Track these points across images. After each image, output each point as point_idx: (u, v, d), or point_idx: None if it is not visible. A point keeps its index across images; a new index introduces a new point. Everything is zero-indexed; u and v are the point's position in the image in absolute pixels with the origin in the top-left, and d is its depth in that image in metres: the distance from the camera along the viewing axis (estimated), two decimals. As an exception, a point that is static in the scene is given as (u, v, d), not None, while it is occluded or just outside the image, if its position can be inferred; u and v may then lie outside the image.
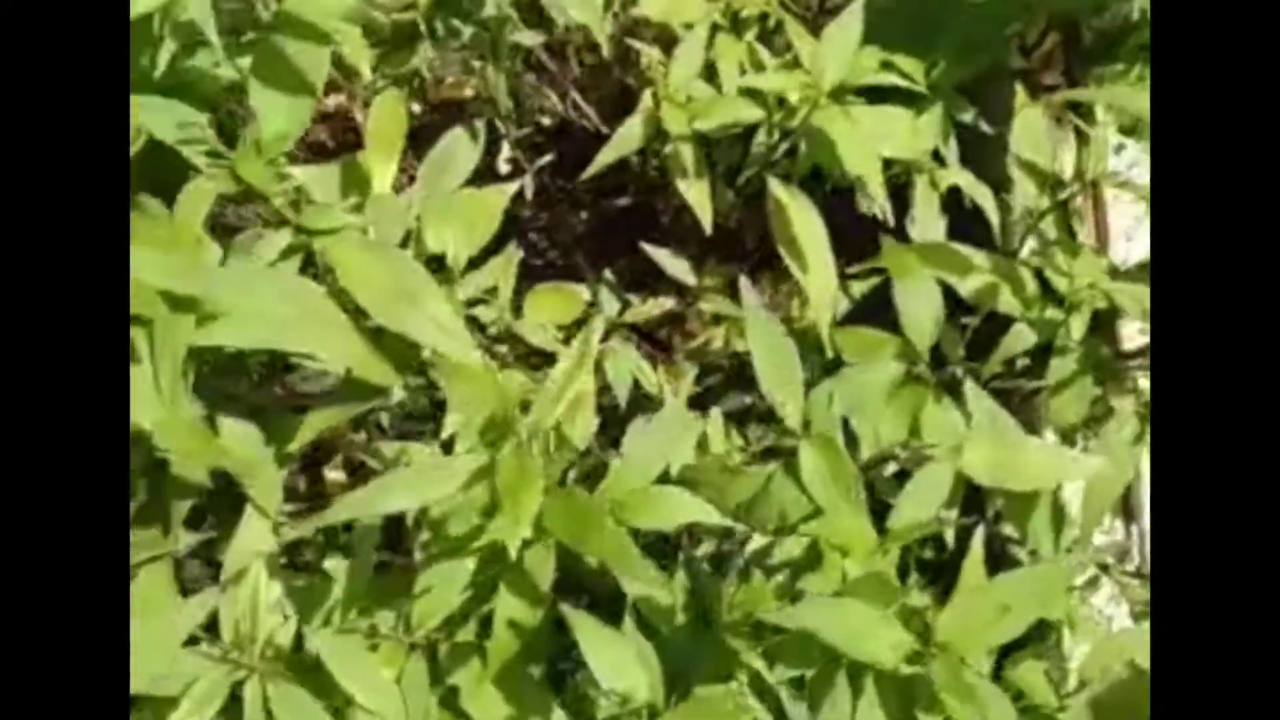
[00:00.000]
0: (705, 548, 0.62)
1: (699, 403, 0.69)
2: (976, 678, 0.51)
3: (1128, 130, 0.87)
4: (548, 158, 0.79)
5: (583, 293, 0.74)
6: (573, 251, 0.80)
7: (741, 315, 0.66)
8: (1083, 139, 0.83)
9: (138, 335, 0.56)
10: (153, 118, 0.60)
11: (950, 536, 0.64)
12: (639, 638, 0.54)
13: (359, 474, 0.76)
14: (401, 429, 0.73)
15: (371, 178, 0.65)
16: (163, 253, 0.56)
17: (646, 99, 0.72)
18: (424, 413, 0.72)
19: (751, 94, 0.70)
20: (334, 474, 0.80)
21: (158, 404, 0.56)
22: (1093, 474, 0.62)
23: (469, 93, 0.81)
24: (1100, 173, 0.75)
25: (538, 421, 0.50)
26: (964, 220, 0.75)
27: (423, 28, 0.70)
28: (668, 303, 0.77)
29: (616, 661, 0.52)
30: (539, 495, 0.49)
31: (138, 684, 0.57)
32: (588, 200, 0.82)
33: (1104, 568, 0.64)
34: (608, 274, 0.78)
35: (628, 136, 0.70)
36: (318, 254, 0.58)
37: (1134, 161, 0.83)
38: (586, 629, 0.53)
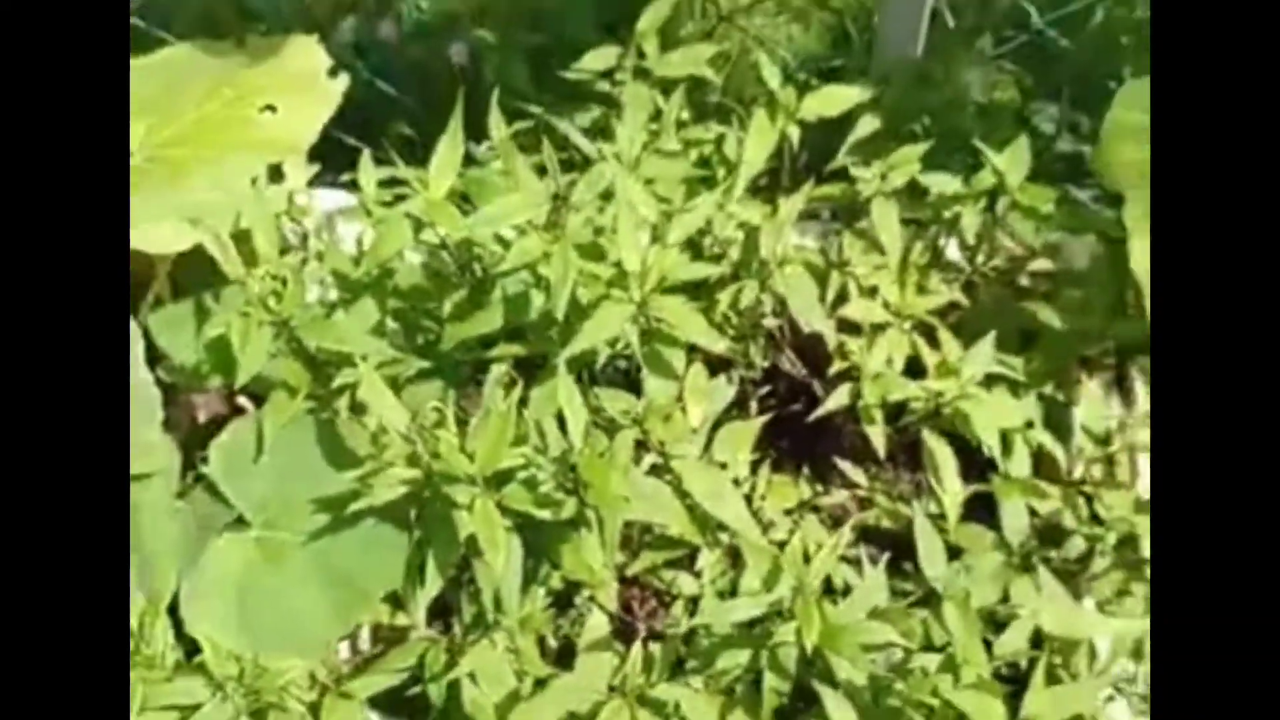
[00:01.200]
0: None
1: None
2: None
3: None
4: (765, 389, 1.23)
5: (797, 485, 1.17)
6: (789, 459, 1.22)
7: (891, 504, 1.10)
8: (1128, 402, 1.26)
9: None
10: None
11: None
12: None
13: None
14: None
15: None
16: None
17: (838, 368, 1.16)
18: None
19: (918, 372, 1.14)
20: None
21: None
22: (1115, 632, 1.03)
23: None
24: (1136, 437, 1.18)
25: (807, 576, 0.93)
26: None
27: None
28: (844, 494, 1.20)
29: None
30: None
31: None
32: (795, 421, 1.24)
33: (1119, 689, 1.04)
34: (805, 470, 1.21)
35: (839, 395, 1.13)
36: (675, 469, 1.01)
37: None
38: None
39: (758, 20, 1.91)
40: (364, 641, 1.09)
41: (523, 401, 0.97)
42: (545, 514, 0.91)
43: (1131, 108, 1.07)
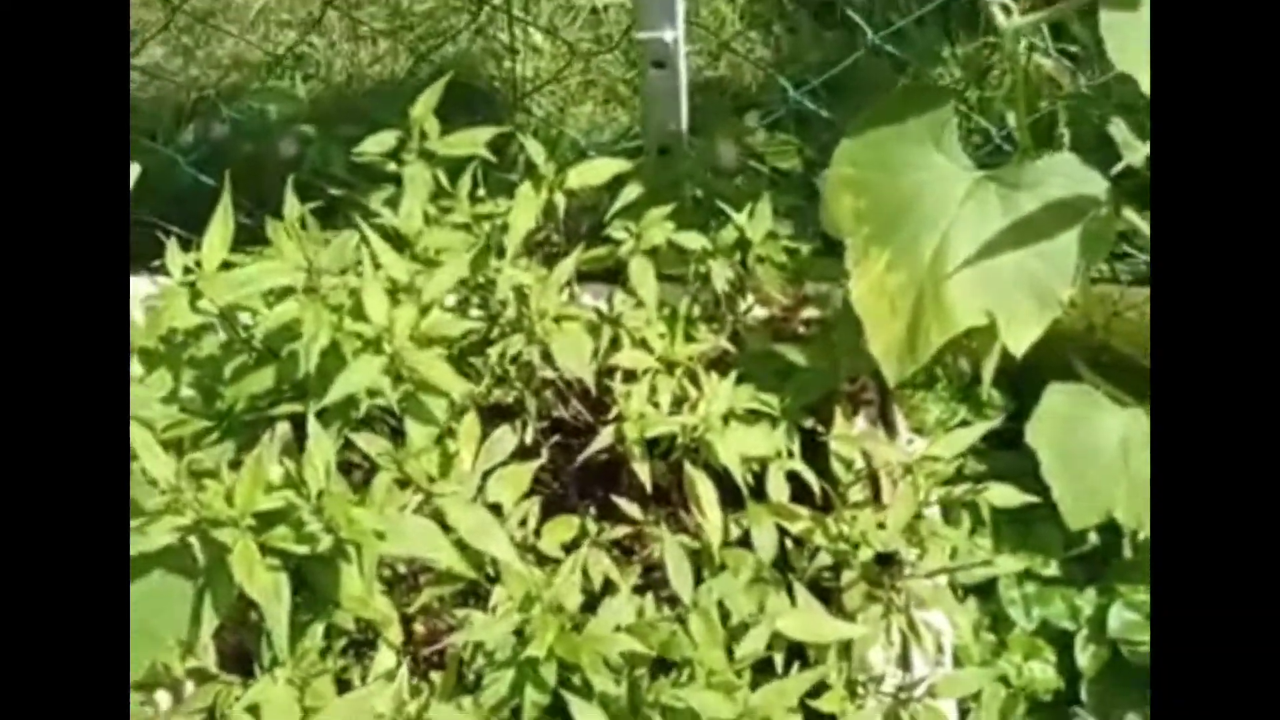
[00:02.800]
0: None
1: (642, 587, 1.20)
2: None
3: (917, 429, 1.41)
4: (555, 439, 1.33)
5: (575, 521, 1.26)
6: (569, 496, 1.32)
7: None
8: (891, 433, 1.38)
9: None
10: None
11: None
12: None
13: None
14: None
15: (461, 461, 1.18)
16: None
17: (613, 414, 1.26)
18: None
19: (674, 419, 1.24)
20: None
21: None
22: (855, 634, 1.13)
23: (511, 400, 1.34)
24: (891, 465, 1.29)
25: (556, 595, 1.02)
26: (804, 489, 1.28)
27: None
28: (624, 529, 1.29)
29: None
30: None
31: None
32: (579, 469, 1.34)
33: (865, 687, 1.14)
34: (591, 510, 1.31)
35: (604, 436, 1.23)
36: (438, 506, 1.10)
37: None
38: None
39: (586, 108, 2.06)
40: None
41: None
42: (304, 549, 0.99)
43: (845, 163, 1.20)
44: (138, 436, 1.02)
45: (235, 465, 1.06)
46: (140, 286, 1.31)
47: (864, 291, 1.18)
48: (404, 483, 1.10)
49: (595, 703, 1.03)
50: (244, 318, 1.20)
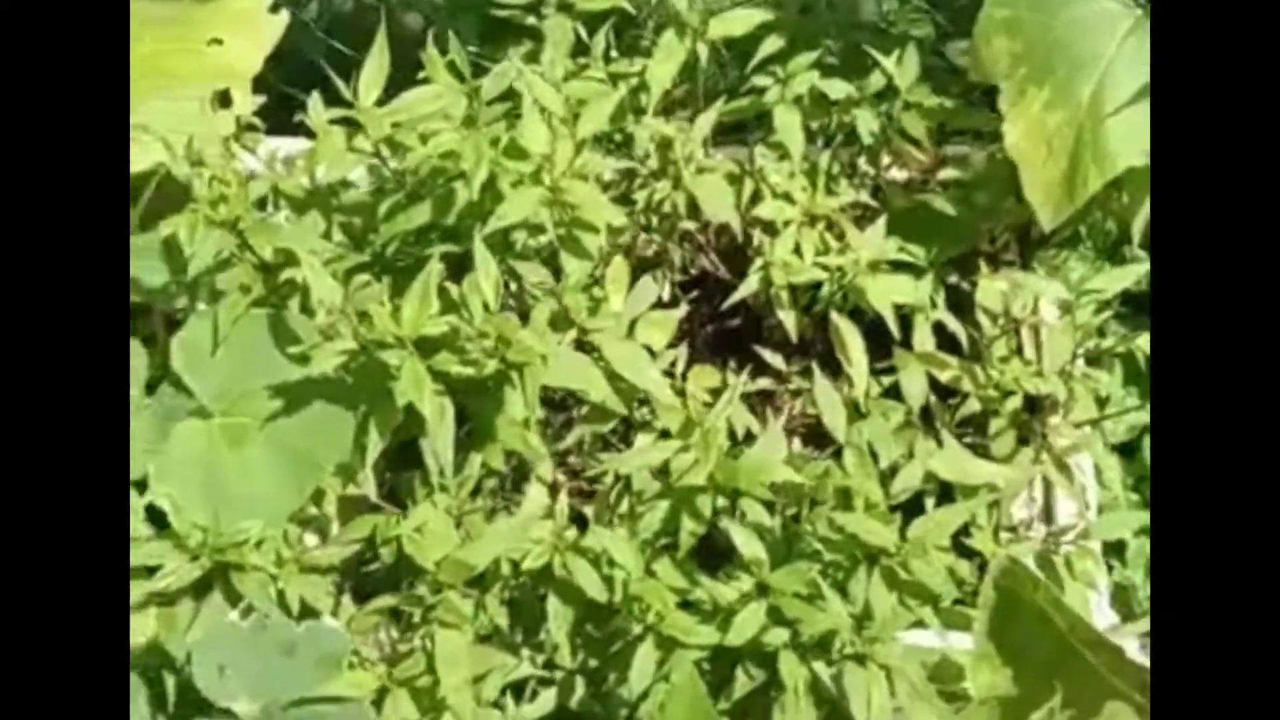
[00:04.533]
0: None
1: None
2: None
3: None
4: (694, 293, 1.33)
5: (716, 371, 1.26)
6: (709, 348, 1.32)
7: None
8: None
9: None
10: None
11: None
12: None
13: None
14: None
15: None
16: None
17: (758, 264, 1.25)
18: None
19: (821, 265, 1.23)
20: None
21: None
22: (1005, 477, 1.12)
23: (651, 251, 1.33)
24: (1030, 315, 1.27)
25: (714, 425, 1.03)
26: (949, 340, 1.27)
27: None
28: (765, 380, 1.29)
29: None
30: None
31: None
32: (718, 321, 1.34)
33: (1014, 531, 1.13)
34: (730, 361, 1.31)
35: (750, 283, 1.23)
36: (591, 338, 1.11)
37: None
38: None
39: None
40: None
41: (457, 286, 1.07)
42: (469, 372, 1.00)
43: (1001, 5, 1.17)
44: (306, 262, 1.04)
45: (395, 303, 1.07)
46: (283, 146, 1.33)
47: (1020, 134, 1.16)
48: (555, 322, 1.10)
49: (753, 534, 1.03)
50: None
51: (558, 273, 1.15)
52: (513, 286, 1.14)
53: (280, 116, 1.31)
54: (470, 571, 1.02)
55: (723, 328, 1.33)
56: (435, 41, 1.20)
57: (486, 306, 1.04)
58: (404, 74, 1.21)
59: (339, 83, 1.13)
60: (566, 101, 1.19)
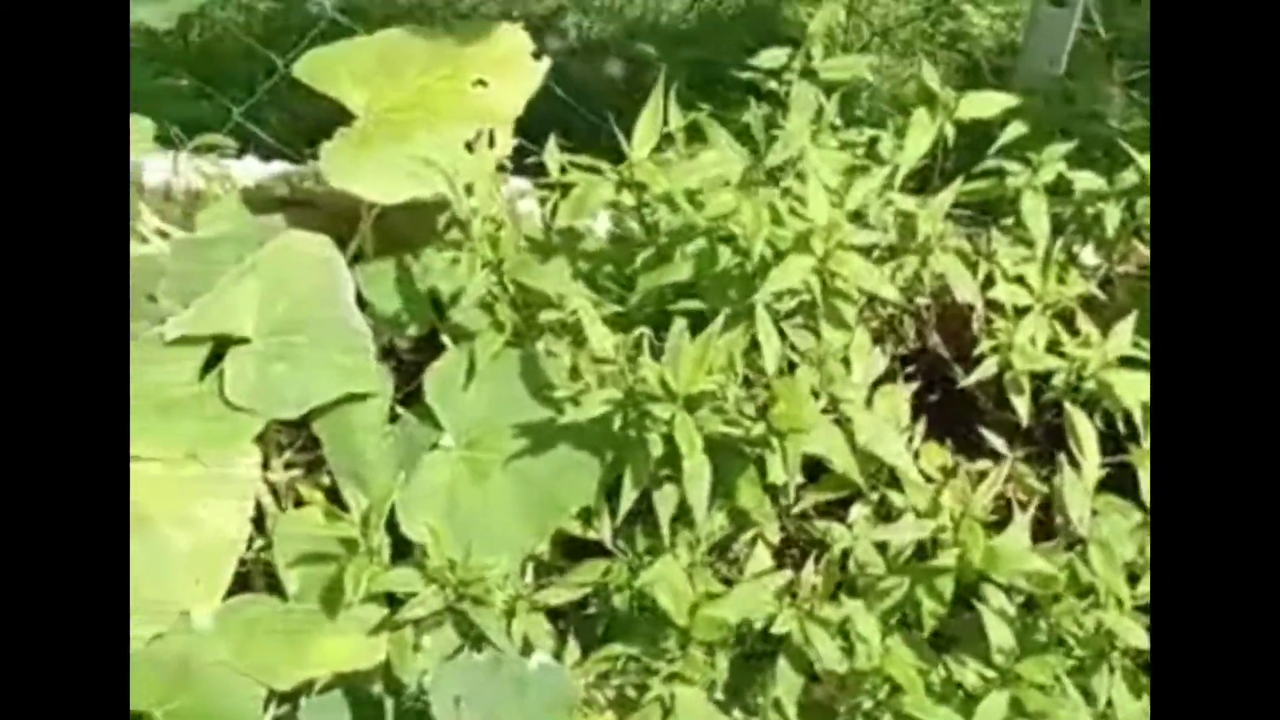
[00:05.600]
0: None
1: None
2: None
3: None
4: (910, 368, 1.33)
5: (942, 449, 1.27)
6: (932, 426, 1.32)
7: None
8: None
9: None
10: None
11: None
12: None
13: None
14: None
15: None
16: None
17: (988, 345, 1.26)
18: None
19: (1057, 353, 1.24)
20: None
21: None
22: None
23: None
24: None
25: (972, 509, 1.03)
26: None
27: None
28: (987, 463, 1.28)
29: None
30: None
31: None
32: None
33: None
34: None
35: (988, 365, 1.23)
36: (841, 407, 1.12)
37: None
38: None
39: (884, 59, 2.04)
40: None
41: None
42: (736, 432, 1.01)
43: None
44: (583, 310, 1.06)
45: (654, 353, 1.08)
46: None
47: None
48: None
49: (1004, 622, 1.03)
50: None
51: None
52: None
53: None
54: (722, 628, 1.03)
55: (942, 404, 1.33)
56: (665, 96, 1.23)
57: (750, 369, 1.05)
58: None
59: (619, 134, 1.15)
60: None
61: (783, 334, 1.09)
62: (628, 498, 1.07)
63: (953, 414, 1.31)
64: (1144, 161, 1.26)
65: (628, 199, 1.17)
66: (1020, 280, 1.29)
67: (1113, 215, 1.28)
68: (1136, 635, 1.00)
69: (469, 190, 1.15)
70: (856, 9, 1.95)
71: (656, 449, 1.06)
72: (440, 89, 1.26)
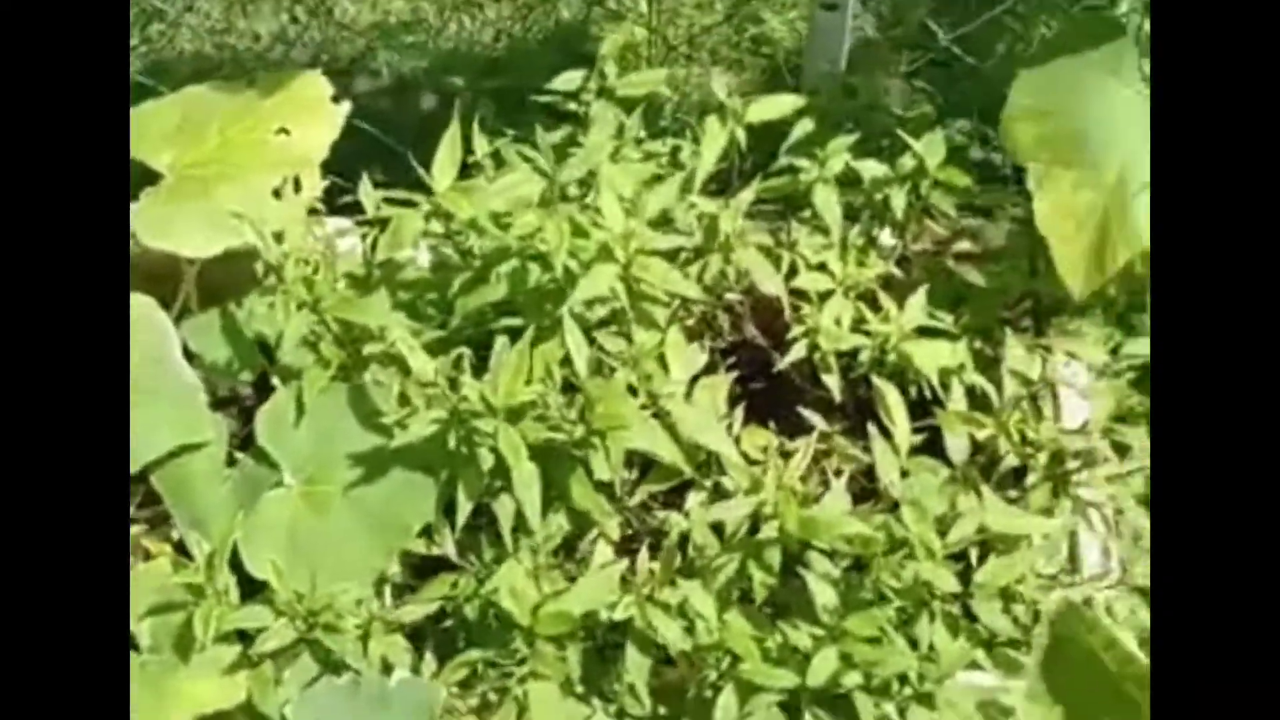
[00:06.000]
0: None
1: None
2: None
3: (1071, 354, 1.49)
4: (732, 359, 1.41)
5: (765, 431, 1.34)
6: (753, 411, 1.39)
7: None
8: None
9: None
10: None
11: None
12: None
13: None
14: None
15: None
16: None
17: (799, 330, 1.33)
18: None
19: (863, 332, 1.32)
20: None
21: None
22: (1049, 529, 1.20)
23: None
24: (1053, 376, 1.36)
25: (789, 483, 1.10)
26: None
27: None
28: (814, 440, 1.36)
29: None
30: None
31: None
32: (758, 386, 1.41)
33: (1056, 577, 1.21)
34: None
35: (798, 349, 1.30)
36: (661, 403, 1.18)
37: (1075, 371, 1.43)
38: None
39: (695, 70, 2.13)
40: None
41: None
42: (560, 436, 1.07)
43: (1025, 94, 1.28)
44: (401, 339, 1.10)
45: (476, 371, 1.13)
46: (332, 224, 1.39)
47: (1048, 211, 1.26)
48: (630, 389, 1.17)
49: (827, 583, 1.10)
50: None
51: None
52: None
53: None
54: (566, 623, 1.08)
55: (759, 393, 1.40)
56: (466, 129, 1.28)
57: (568, 376, 1.10)
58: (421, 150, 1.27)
59: (419, 169, 1.20)
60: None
61: (592, 340, 1.15)
62: (463, 511, 1.11)
63: (775, 398, 1.39)
64: (918, 146, 1.35)
65: (438, 227, 1.22)
66: (822, 267, 1.37)
67: (899, 198, 1.36)
68: (948, 581, 1.08)
69: (278, 237, 1.18)
70: (658, 25, 2.03)
71: (487, 462, 1.10)
72: (242, 141, 1.29)
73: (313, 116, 1.33)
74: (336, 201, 1.37)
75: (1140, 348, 1.27)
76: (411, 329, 1.21)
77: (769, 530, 1.10)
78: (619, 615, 1.07)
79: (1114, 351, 1.32)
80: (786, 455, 1.29)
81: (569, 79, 1.42)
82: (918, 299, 1.30)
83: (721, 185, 1.48)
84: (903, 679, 1.08)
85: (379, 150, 1.75)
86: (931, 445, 1.29)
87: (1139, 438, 1.26)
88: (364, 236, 1.30)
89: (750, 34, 2.12)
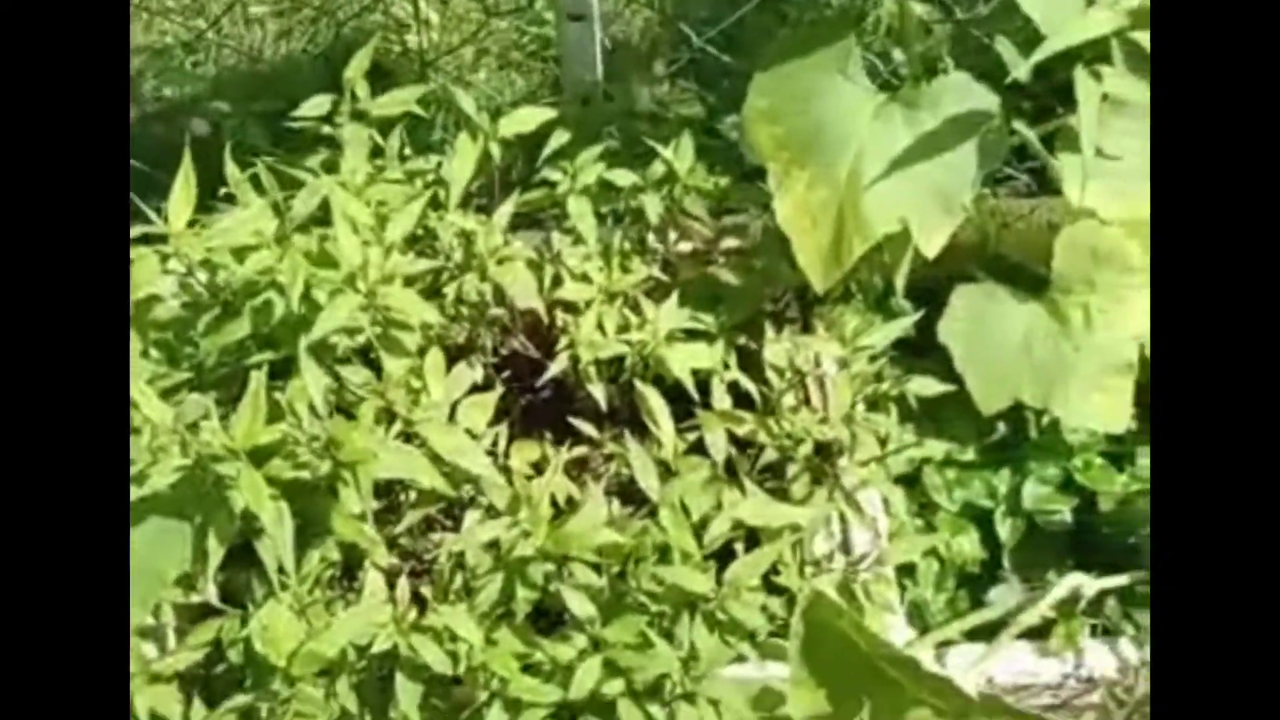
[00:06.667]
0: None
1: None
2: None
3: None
4: (506, 373, 1.42)
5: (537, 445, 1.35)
6: (526, 424, 1.41)
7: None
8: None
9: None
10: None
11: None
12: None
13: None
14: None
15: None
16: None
17: (564, 342, 1.35)
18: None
19: (624, 340, 1.34)
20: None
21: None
22: (805, 517, 1.24)
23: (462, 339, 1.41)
24: (814, 368, 1.41)
25: (541, 500, 1.12)
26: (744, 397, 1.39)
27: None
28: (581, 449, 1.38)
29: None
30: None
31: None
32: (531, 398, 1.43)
33: (818, 565, 1.25)
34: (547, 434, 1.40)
35: (559, 361, 1.32)
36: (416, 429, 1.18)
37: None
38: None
39: (481, 74, 2.13)
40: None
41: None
42: (304, 475, 1.06)
43: (760, 95, 1.31)
44: (135, 387, 1.08)
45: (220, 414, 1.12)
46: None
47: (788, 210, 1.30)
48: (380, 418, 1.17)
49: (584, 595, 1.12)
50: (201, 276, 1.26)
51: (377, 370, 1.22)
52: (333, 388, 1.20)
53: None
54: (322, 662, 1.08)
55: (537, 404, 1.42)
56: (232, 153, 1.27)
57: (314, 411, 1.10)
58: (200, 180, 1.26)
59: (144, 207, 1.18)
60: (370, 206, 1.27)
61: (336, 375, 1.15)
62: (215, 555, 1.10)
63: (553, 409, 1.41)
64: (667, 154, 1.37)
65: (178, 266, 1.20)
66: (585, 277, 1.39)
67: (653, 204, 1.39)
68: (701, 582, 1.11)
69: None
70: (429, 33, 2.02)
71: (239, 504, 1.09)
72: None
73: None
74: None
75: (887, 333, 1.32)
76: (157, 373, 1.19)
77: (525, 547, 1.11)
78: (378, 647, 1.08)
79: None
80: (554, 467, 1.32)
81: (318, 103, 1.41)
82: (671, 302, 1.32)
83: (489, 199, 1.49)
84: (667, 681, 1.11)
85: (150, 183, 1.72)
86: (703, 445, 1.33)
87: (889, 424, 1.31)
88: (119, 276, 1.27)
89: (533, 35, 2.13)
